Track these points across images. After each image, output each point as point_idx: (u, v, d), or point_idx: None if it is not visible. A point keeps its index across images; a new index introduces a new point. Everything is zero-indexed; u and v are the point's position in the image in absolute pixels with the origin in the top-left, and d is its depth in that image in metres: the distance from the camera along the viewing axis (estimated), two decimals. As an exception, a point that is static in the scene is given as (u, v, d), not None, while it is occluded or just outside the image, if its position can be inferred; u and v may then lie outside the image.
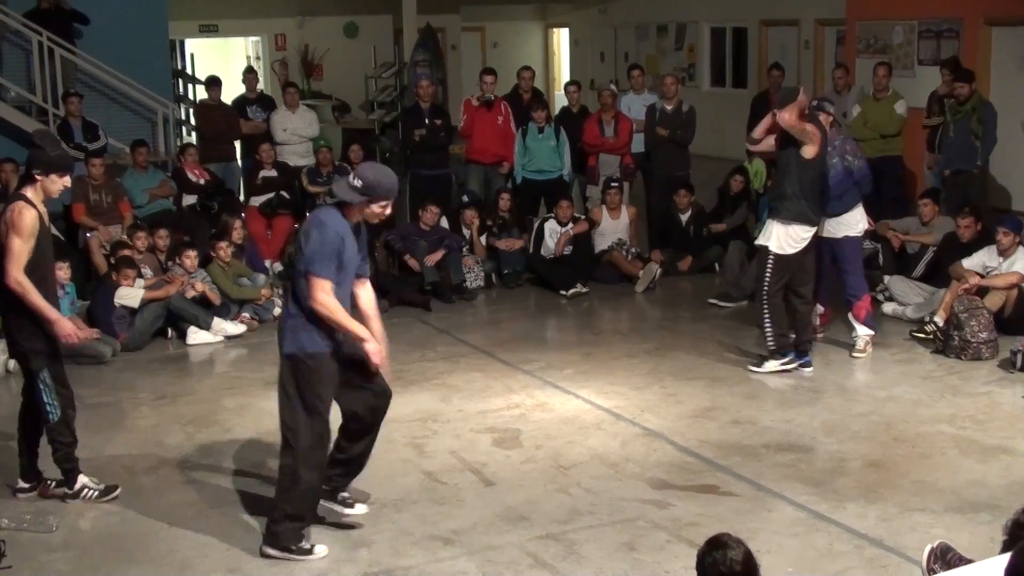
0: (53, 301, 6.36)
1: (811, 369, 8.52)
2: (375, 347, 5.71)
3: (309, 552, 5.75)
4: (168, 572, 5.67)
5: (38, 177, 6.18)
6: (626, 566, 5.57)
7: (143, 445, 7.42)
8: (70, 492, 6.50)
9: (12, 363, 9.00)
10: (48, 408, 6.40)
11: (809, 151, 8.32)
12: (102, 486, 6.53)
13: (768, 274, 8.43)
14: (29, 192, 6.20)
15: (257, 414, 8.00)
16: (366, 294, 6.07)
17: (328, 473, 5.99)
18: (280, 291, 10.87)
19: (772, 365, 8.51)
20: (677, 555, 5.62)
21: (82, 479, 6.52)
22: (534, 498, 6.41)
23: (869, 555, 5.62)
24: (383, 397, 5.96)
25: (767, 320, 8.47)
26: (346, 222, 5.65)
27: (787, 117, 8.21)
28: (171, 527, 6.17)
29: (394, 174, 5.76)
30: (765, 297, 8.45)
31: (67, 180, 6.30)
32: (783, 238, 8.39)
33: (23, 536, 5.99)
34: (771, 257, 8.41)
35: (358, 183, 5.59)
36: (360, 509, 6.12)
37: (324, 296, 5.55)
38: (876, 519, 6.01)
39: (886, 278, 10.29)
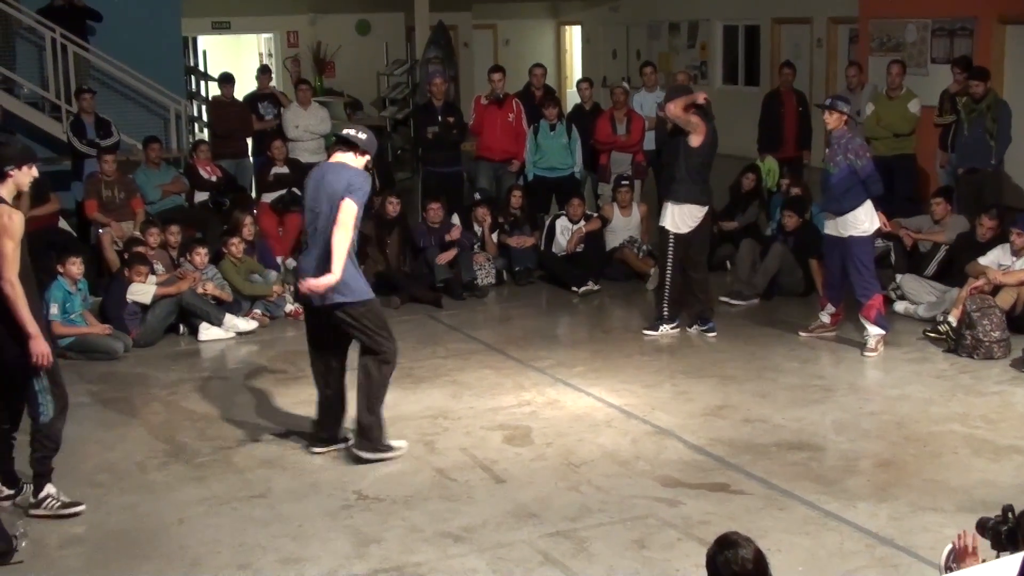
0: (35, 307, 6.22)
1: (715, 334, 9.51)
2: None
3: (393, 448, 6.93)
4: (179, 568, 5.68)
5: (11, 173, 6.15)
6: (636, 564, 5.57)
7: (155, 441, 7.43)
8: (33, 501, 6.29)
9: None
10: (40, 408, 6.23)
11: (695, 140, 9.20)
12: (65, 499, 6.31)
13: (670, 252, 9.38)
14: (3, 192, 6.12)
15: (268, 410, 8.01)
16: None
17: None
18: (291, 288, 10.88)
19: (664, 329, 9.57)
20: (687, 553, 5.61)
21: (49, 488, 6.30)
22: (544, 495, 6.41)
23: (880, 554, 5.61)
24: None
25: (666, 292, 9.50)
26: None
27: (672, 108, 9.20)
28: (182, 523, 6.19)
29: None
30: (668, 272, 9.43)
31: (35, 170, 6.28)
32: (678, 217, 9.32)
33: (35, 532, 6.01)
34: (671, 236, 9.34)
35: (363, 136, 6.87)
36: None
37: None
38: (887, 518, 6.00)
39: (898, 277, 10.27)
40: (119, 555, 5.85)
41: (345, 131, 6.97)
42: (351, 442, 7.06)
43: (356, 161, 6.83)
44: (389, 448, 6.95)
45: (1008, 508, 4.62)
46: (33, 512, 6.26)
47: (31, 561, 5.75)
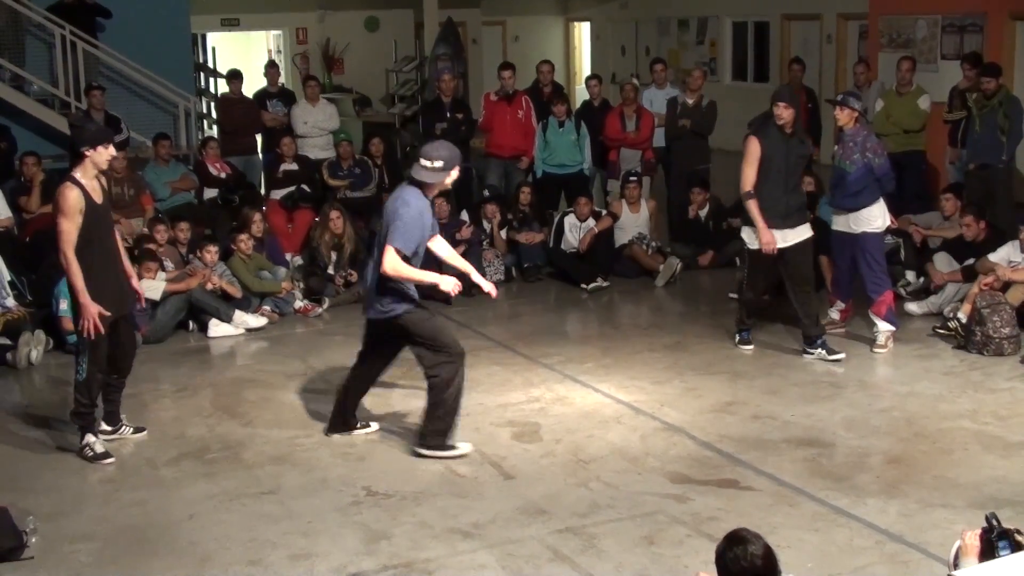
0: (111, 270, 6.88)
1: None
2: (448, 283, 6.75)
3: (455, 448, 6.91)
4: (189, 564, 5.69)
5: (87, 152, 6.66)
6: (645, 560, 5.57)
7: (164, 437, 7.45)
8: (78, 447, 7.05)
9: (35, 354, 9.08)
10: (78, 367, 6.90)
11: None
12: (100, 450, 6.98)
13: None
14: (77, 172, 6.70)
15: (278, 406, 8.02)
16: (437, 244, 7.13)
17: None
18: (301, 285, 10.91)
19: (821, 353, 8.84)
20: (697, 550, 5.61)
21: (88, 437, 7.00)
22: (554, 492, 6.41)
23: (890, 551, 5.61)
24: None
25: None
26: (425, 199, 6.71)
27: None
28: (192, 519, 6.20)
29: (452, 145, 6.89)
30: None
31: (112, 150, 6.79)
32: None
33: (45, 528, 6.02)
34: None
35: (439, 164, 6.60)
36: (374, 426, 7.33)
37: (394, 262, 6.52)
38: (897, 515, 5.99)
39: (934, 257, 10.15)
40: (129, 551, 5.86)
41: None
42: (371, 429, 7.37)
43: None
44: (452, 448, 6.97)
45: (991, 516, 4.68)
46: (78, 455, 7.01)
47: (42, 557, 5.77)
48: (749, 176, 8.52)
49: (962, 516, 5.89)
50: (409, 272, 6.63)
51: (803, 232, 8.69)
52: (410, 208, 6.58)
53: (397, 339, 6.94)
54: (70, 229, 6.59)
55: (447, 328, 7.22)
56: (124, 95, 14.79)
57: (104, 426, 7.29)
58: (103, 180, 7.00)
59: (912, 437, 7.13)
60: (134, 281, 7.36)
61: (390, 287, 6.69)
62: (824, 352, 8.69)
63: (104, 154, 6.72)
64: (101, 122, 12.98)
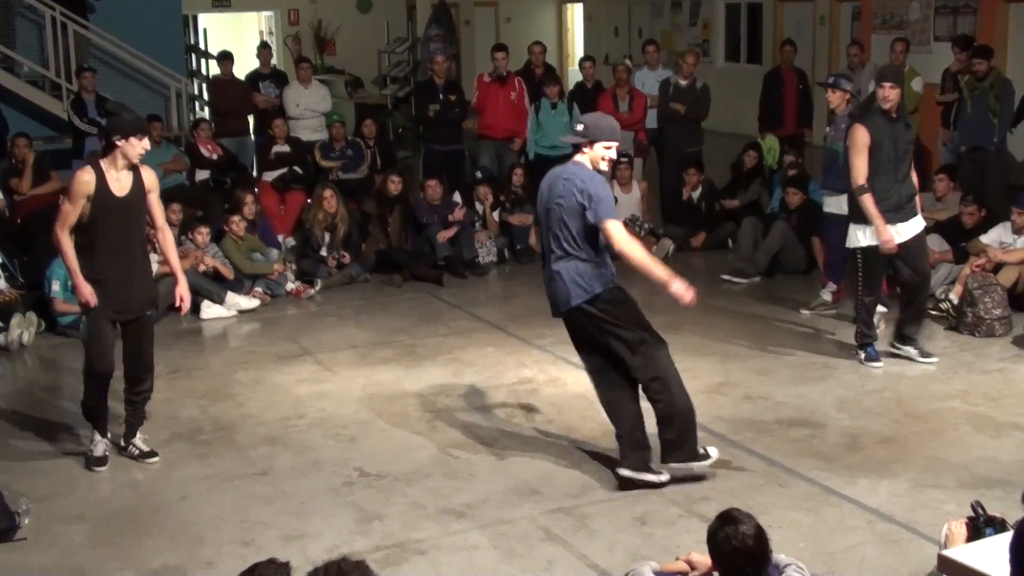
0: (120, 268, 6.52)
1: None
2: (679, 287, 6.13)
3: (706, 456, 6.19)
4: (182, 545, 5.70)
5: (119, 143, 6.36)
6: (638, 540, 5.59)
7: (157, 419, 7.43)
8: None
9: (27, 336, 9.07)
10: (86, 352, 6.65)
11: None
12: (98, 455, 6.68)
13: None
14: (105, 161, 6.43)
15: (270, 388, 8.02)
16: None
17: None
18: (293, 266, 10.88)
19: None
20: (689, 529, 5.63)
21: (95, 436, 6.72)
22: (546, 472, 6.42)
23: (881, 530, 5.63)
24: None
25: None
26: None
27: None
28: (185, 500, 6.21)
29: (613, 119, 6.21)
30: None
31: (146, 142, 6.48)
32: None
33: (38, 509, 6.02)
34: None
35: (579, 127, 6.06)
36: (714, 453, 6.28)
37: (628, 239, 6.01)
38: (888, 495, 6.01)
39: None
40: (122, 532, 5.86)
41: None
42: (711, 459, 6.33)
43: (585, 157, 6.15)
44: (705, 456, 6.23)
45: (976, 504, 4.78)
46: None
47: (35, 538, 5.77)
48: (861, 168, 7.77)
49: (953, 496, 5.92)
50: (646, 258, 6.10)
51: (917, 224, 8.03)
52: (596, 178, 6.04)
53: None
54: (68, 211, 6.36)
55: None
56: (115, 77, 14.73)
57: (121, 440, 6.88)
58: (146, 176, 6.57)
59: (903, 418, 7.15)
60: (180, 287, 6.85)
61: (589, 270, 6.07)
62: (916, 352, 8.16)
63: (137, 146, 6.37)
64: (92, 104, 12.96)
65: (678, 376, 6.20)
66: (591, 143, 6.03)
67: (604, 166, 6.13)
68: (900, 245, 7.87)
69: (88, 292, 6.46)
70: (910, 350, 8.17)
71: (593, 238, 6.03)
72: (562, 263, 6.11)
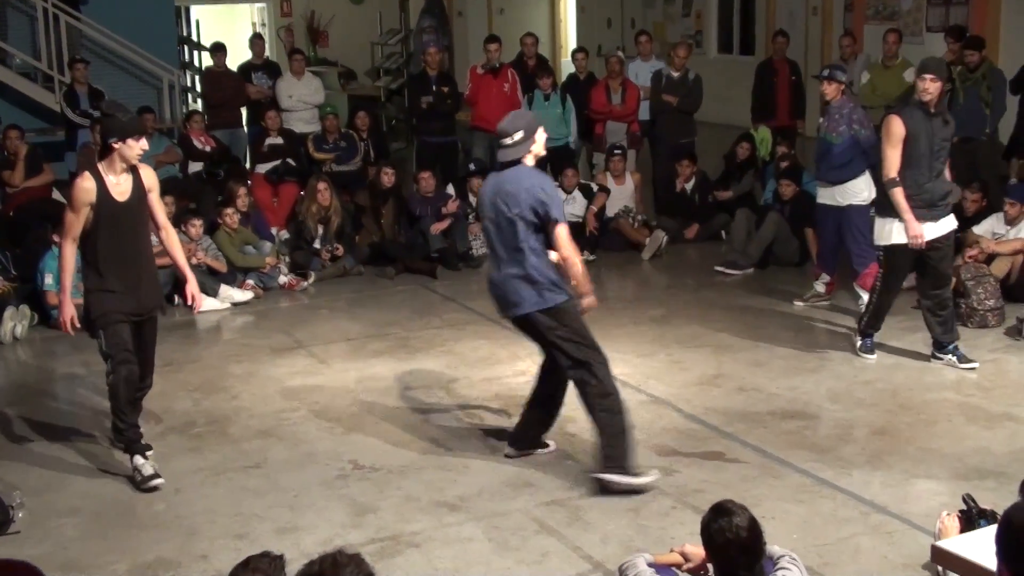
0: (128, 272, 6.30)
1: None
2: (591, 302, 6.22)
3: (641, 475, 6.03)
4: (175, 538, 5.70)
5: (116, 145, 6.15)
6: (631, 532, 5.59)
7: (150, 412, 7.41)
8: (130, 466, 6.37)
9: (20, 329, 9.06)
10: (107, 371, 6.36)
11: None
12: (150, 472, 6.26)
13: None
14: (102, 164, 6.20)
15: (263, 381, 8.02)
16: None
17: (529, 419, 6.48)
18: (286, 259, 10.87)
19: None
20: (682, 521, 5.64)
21: (137, 460, 6.32)
22: (540, 464, 6.43)
23: (874, 521, 5.64)
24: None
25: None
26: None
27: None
28: (178, 493, 6.21)
29: (524, 111, 6.06)
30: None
31: (144, 143, 6.28)
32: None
33: (31, 502, 6.02)
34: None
35: (519, 135, 6.08)
36: (652, 475, 6.15)
37: (572, 245, 6.02)
38: (881, 486, 6.02)
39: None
40: (116, 524, 5.86)
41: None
42: (549, 449, 6.56)
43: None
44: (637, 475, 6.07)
45: (968, 497, 4.88)
46: (130, 479, 6.35)
47: (28, 531, 5.77)
48: (893, 160, 7.51)
49: (946, 487, 5.93)
50: (578, 264, 6.08)
51: (948, 224, 7.73)
52: (545, 178, 6.14)
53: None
54: (72, 221, 6.16)
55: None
56: (108, 68, 14.71)
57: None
58: (145, 175, 6.38)
59: (896, 409, 7.16)
60: (189, 286, 6.73)
61: (546, 274, 6.02)
62: (955, 359, 7.84)
63: (135, 147, 6.18)
64: (85, 95, 12.94)
65: (619, 393, 6.15)
66: (531, 139, 6.08)
67: (544, 151, 6.23)
68: (928, 243, 7.62)
69: (69, 315, 6.28)
70: (950, 358, 7.87)
71: (544, 242, 6.02)
72: (514, 267, 6.05)
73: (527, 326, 6.19)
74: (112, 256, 6.26)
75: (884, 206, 7.72)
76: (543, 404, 6.47)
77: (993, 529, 3.98)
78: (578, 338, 6.08)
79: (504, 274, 6.11)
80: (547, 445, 6.57)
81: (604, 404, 6.04)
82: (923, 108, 7.55)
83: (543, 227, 5.98)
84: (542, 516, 5.79)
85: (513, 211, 5.99)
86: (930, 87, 7.49)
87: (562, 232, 5.96)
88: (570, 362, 6.08)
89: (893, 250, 7.73)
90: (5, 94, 13.97)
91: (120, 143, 6.15)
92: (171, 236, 6.72)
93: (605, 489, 5.99)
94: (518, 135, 6.07)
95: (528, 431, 6.53)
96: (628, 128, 12.57)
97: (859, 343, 8.16)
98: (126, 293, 6.31)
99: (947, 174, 7.84)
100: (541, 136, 6.16)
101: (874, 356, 8.09)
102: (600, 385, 6.04)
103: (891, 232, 7.65)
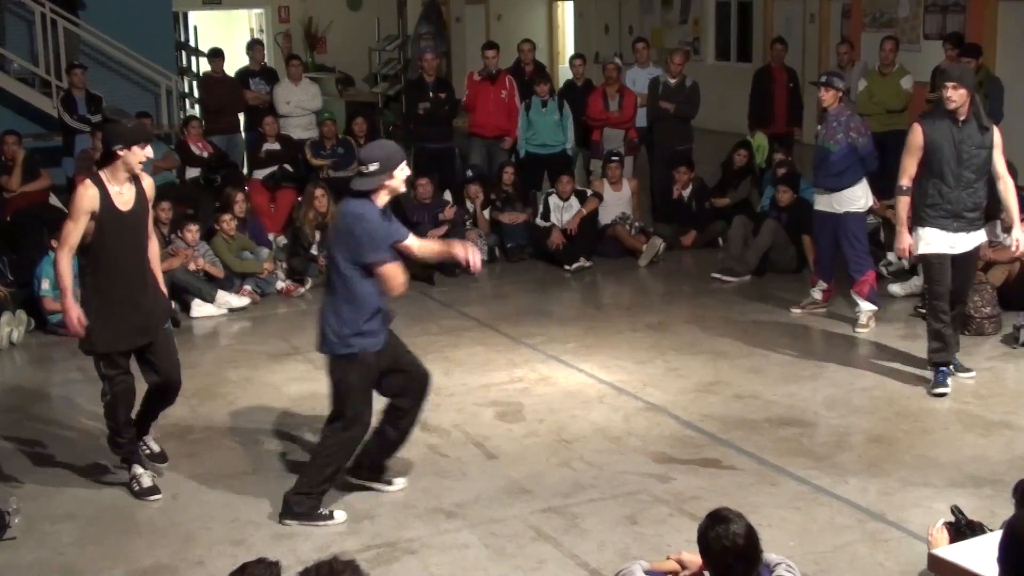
0: (132, 290, 6.09)
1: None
2: (460, 251, 6.11)
3: (329, 517, 5.88)
4: (172, 544, 5.69)
5: (120, 152, 5.96)
6: (628, 539, 5.59)
7: (147, 417, 7.43)
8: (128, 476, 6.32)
9: (17, 334, 9.05)
10: (103, 387, 6.22)
11: None
12: (148, 484, 6.25)
13: None
14: (105, 172, 6.01)
15: (260, 387, 8.02)
16: (412, 242, 6.01)
17: (370, 449, 6.17)
18: (283, 264, 10.88)
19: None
20: (679, 528, 5.63)
21: (135, 469, 6.29)
22: (536, 472, 6.43)
23: (871, 529, 5.64)
24: (424, 379, 6.20)
25: None
26: (376, 207, 5.69)
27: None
28: (175, 499, 6.20)
29: (391, 142, 6.00)
30: None
31: (149, 151, 6.09)
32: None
33: (28, 508, 6.01)
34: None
35: (374, 167, 5.64)
36: (400, 483, 6.23)
37: (396, 275, 5.71)
38: (878, 493, 6.02)
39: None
40: (112, 530, 5.86)
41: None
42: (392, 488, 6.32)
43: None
44: (323, 518, 5.91)
45: (955, 508, 4.88)
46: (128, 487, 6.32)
47: (24, 537, 5.76)
48: (905, 168, 7.40)
49: (942, 495, 5.93)
50: (401, 278, 5.75)
51: (975, 239, 7.51)
52: (366, 220, 5.64)
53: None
54: (71, 230, 5.89)
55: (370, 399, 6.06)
56: (105, 74, 14.70)
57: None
58: (147, 184, 6.18)
59: (893, 416, 7.16)
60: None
61: (355, 318, 5.77)
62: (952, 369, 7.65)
63: (139, 155, 5.97)
64: (83, 101, 12.93)
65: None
66: (386, 174, 5.67)
67: (403, 188, 5.85)
68: (953, 256, 7.44)
69: (75, 316, 5.99)
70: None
71: (362, 283, 5.71)
72: (329, 300, 5.85)
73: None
74: (114, 270, 6.07)
75: (914, 217, 7.54)
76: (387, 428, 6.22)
77: (990, 537, 3.99)
78: (353, 396, 5.87)
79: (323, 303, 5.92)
80: (390, 482, 6.28)
81: (330, 458, 5.91)
82: (950, 116, 7.33)
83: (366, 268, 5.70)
84: (539, 523, 5.79)
85: (337, 246, 5.77)
86: (953, 95, 7.25)
87: (384, 271, 5.68)
88: (338, 412, 5.91)
89: (927, 259, 7.56)
90: (2, 99, 13.97)
91: (125, 150, 5.97)
92: (154, 247, 6.43)
93: (285, 502, 5.89)
94: (373, 166, 5.65)
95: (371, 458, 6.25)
96: (625, 135, 12.58)
97: (933, 377, 7.57)
98: (132, 313, 6.09)
99: (1000, 184, 7.53)
100: (401, 173, 5.72)
101: (948, 389, 7.47)
102: (339, 449, 5.92)
103: (918, 242, 7.51)
